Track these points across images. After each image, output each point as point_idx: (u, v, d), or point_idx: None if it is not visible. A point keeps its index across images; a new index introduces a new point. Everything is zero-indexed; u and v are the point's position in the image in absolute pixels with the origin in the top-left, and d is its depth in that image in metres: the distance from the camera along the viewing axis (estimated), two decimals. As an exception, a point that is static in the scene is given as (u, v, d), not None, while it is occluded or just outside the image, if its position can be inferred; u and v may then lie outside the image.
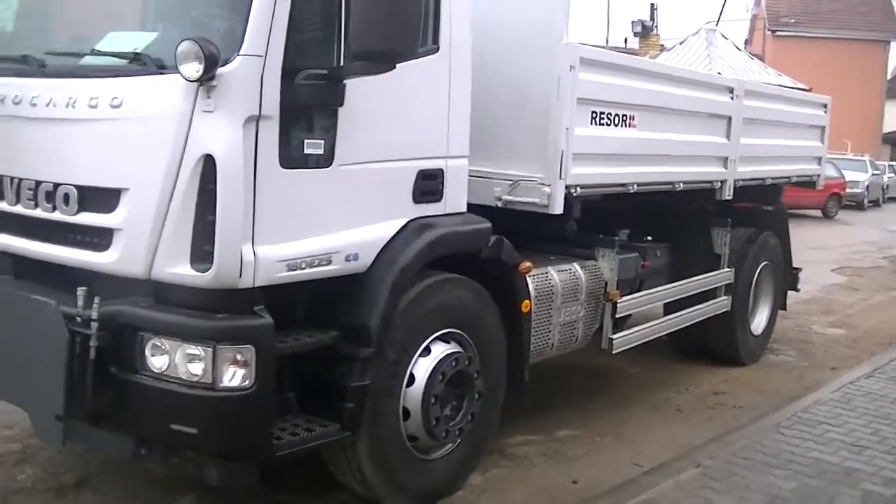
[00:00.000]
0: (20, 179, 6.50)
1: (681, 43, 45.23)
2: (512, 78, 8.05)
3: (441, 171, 7.06)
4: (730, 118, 10.80)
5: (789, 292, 13.33)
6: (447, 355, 6.98)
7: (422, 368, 6.86)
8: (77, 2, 7.23)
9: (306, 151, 6.08)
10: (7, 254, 6.80)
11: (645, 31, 46.48)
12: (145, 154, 5.88)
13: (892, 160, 61.44)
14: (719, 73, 37.01)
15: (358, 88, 6.16)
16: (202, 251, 5.74)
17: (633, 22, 46.69)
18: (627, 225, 9.71)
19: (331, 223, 6.28)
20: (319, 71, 6.05)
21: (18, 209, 6.55)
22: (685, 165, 9.97)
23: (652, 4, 48.23)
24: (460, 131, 7.17)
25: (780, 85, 37.82)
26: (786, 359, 12.77)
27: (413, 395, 6.82)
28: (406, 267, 6.62)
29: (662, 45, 47.01)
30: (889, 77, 71.72)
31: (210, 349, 5.74)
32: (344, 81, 6.08)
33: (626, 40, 50.78)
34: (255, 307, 5.90)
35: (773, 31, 62.29)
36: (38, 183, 6.37)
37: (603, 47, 43.20)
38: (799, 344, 13.64)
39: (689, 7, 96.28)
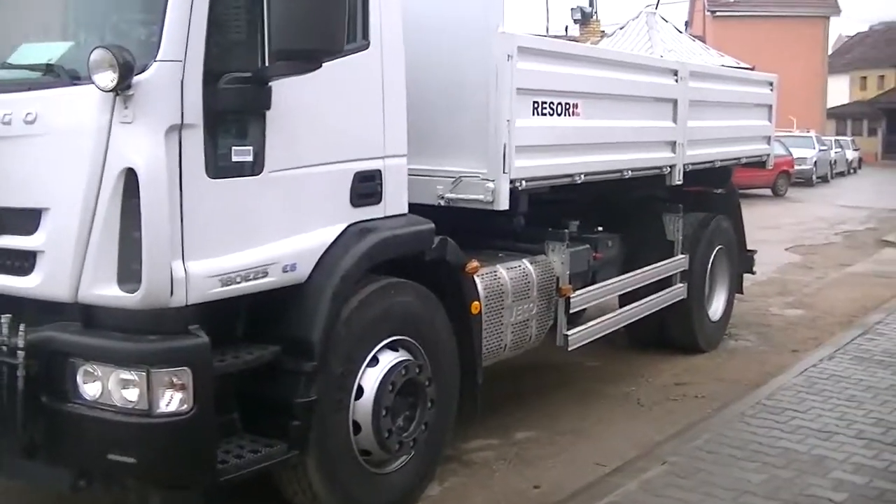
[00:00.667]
0: (-63, 202, 6.18)
1: (621, 28, 45.15)
2: (449, 70, 7.78)
3: (379, 171, 6.78)
4: (675, 101, 10.58)
5: (745, 275, 13.16)
6: (396, 364, 6.70)
7: (370, 379, 6.56)
8: None
9: (234, 159, 5.79)
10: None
11: (584, 18, 46.34)
12: (64, 171, 5.59)
13: (837, 135, 61.89)
14: (662, 57, 37.02)
15: (285, 90, 5.87)
16: (129, 270, 5.44)
17: (572, 9, 46.55)
18: (577, 216, 9.48)
19: (265, 233, 5.99)
20: (243, 74, 5.75)
21: (-64, 235, 6.22)
22: (633, 152, 9.74)
23: (591, -9, 48.20)
24: (397, 129, 6.90)
25: (723, 65, 37.89)
26: (745, 344, 12.61)
27: (363, 407, 6.53)
28: (346, 274, 6.33)
29: (603, 32, 46.93)
30: (829, 53, 72.35)
31: (144, 373, 5.43)
32: (269, 84, 5.79)
33: (566, 28, 50.64)
34: (189, 326, 5.59)
35: (713, 12, 62.59)
36: (-44, 205, 6.05)
37: (543, 36, 43.26)
38: (758, 327, 13.49)
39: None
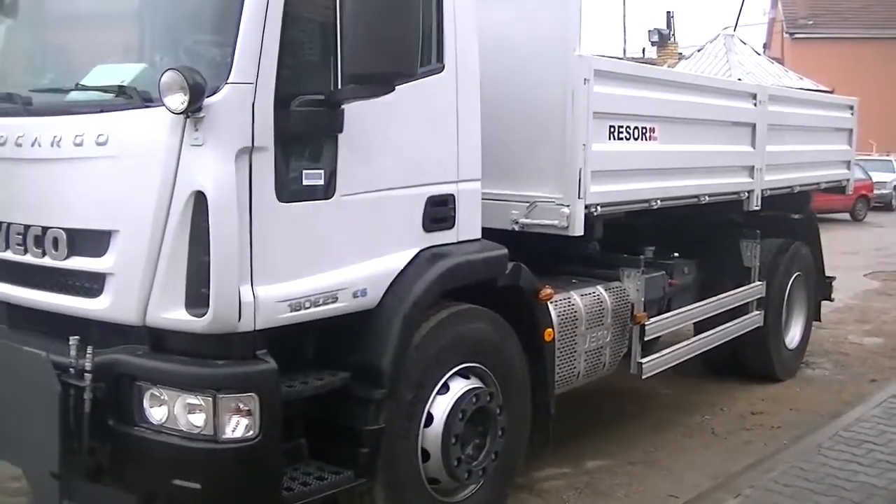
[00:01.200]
0: (9, 224, 6.21)
1: (699, 50, 44.89)
2: (524, 94, 7.68)
3: (452, 196, 6.69)
4: (754, 125, 10.41)
5: (823, 302, 12.90)
6: (467, 391, 6.59)
7: (440, 407, 6.46)
8: (64, 35, 6.93)
9: (305, 183, 5.72)
10: (1, 302, 6.48)
11: (662, 40, 46.21)
12: (134, 193, 5.55)
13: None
14: (739, 80, 36.70)
15: (358, 113, 5.80)
16: (198, 294, 5.39)
17: (649, 31, 46.44)
18: (652, 241, 9.33)
19: (335, 258, 5.91)
20: (315, 96, 5.68)
21: (8, 255, 6.24)
22: (710, 177, 9.58)
23: (668, 13, 47.97)
24: (471, 153, 6.80)
25: (802, 88, 37.49)
26: (823, 372, 12.35)
27: (432, 435, 6.42)
28: (418, 300, 6.23)
29: (681, 54, 46.72)
30: (912, 75, 71.26)
31: (210, 399, 5.38)
32: (342, 106, 5.71)
33: (643, 50, 50.50)
34: (257, 351, 5.53)
35: (792, 34, 61.85)
36: (27, 227, 6.07)
37: (620, 58, 43.12)
38: (836, 356, 13.21)
39: (705, 13, 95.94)
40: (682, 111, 8.98)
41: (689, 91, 9.30)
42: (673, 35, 47.25)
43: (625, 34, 45.31)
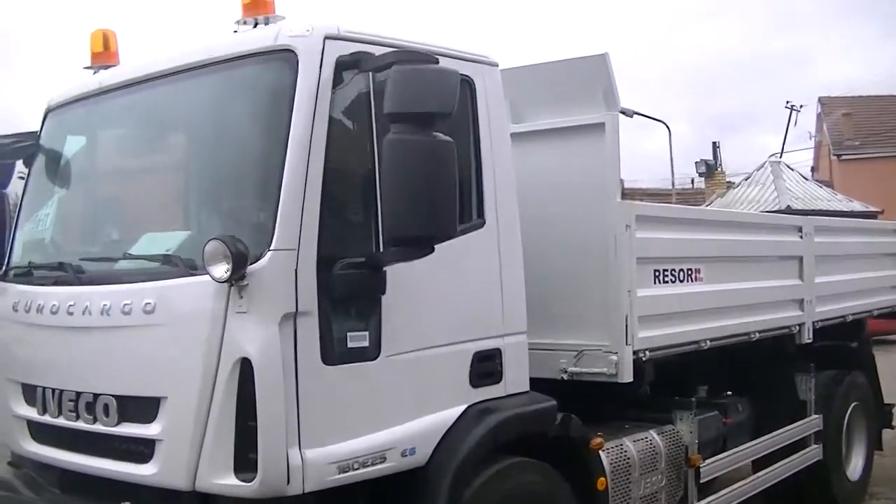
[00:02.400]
0: (61, 391, 6.27)
1: (746, 178, 44.92)
2: (568, 242, 7.72)
3: (499, 350, 6.68)
4: (801, 258, 10.40)
5: (884, 430, 12.68)
6: None
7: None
8: (114, 204, 7.08)
9: (350, 345, 5.74)
10: (53, 466, 6.52)
11: (709, 171, 46.34)
12: (180, 360, 5.62)
13: None
14: (788, 207, 36.67)
15: (400, 273, 5.83)
16: (246, 459, 5.40)
17: (696, 162, 46.58)
18: (705, 379, 9.28)
19: (382, 418, 5.90)
20: (357, 259, 5.73)
21: (61, 421, 6.30)
22: (759, 313, 9.53)
23: (714, 143, 48.16)
24: (516, 306, 6.82)
25: (850, 211, 37.38)
26: (888, 503, 12.07)
27: None
28: (467, 457, 6.19)
29: (730, 182, 46.80)
30: (963, 189, 70.98)
31: None
32: (384, 268, 5.76)
33: (692, 181, 50.67)
34: None
35: (839, 156, 61.88)
36: (79, 394, 6.13)
37: (669, 191, 43.12)
38: (901, 483, 12.93)
39: (752, 140, 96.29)
40: (727, 249, 9.00)
41: (733, 229, 9.34)
42: (720, 165, 47.39)
43: (672, 166, 45.31)
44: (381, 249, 5.74)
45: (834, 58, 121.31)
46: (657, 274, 8.00)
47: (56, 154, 7.23)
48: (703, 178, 47.52)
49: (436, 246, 5.72)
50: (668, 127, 42.29)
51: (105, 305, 5.95)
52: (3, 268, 7.03)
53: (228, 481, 5.45)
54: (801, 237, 10.46)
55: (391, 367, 5.92)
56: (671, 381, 8.70)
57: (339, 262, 5.64)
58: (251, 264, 5.33)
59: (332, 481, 5.60)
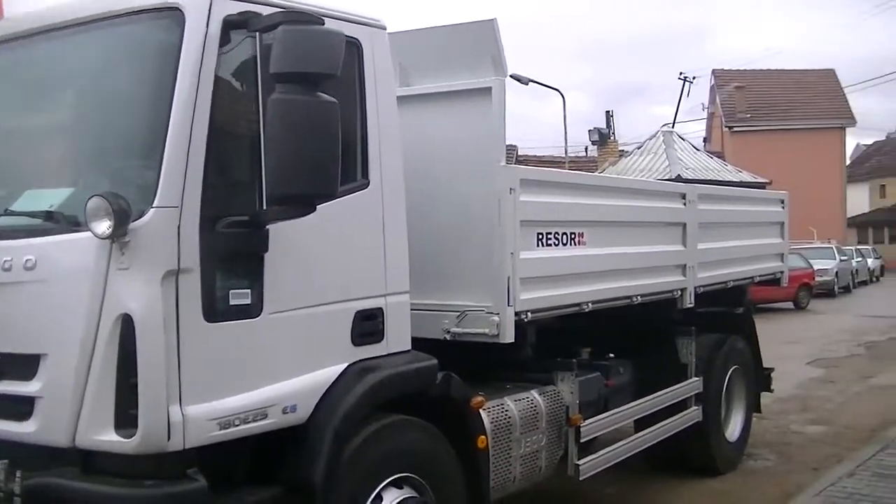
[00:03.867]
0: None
1: (639, 147, 45.46)
2: (452, 205, 7.82)
3: (381, 309, 6.75)
4: (685, 225, 10.59)
5: (764, 393, 13.00)
6: (400, 501, 6.61)
7: (375, 518, 6.48)
8: None
9: (232, 303, 5.76)
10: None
11: (602, 139, 46.84)
12: (61, 317, 5.59)
13: (858, 244, 61.79)
14: (679, 176, 37.20)
15: (283, 232, 5.88)
16: (126, 415, 5.40)
17: (589, 131, 47.07)
18: (587, 342, 9.43)
19: (264, 375, 5.93)
20: (240, 218, 5.77)
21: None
22: (641, 277, 9.72)
23: (608, 112, 48.66)
24: (398, 266, 6.89)
25: (739, 182, 38.03)
26: (765, 463, 12.43)
27: None
28: (347, 415, 6.26)
29: (622, 151, 47.34)
30: (848, 162, 72.61)
31: None
32: (266, 227, 5.80)
33: (586, 149, 51.12)
34: (187, 470, 5.54)
35: (731, 128, 62.91)
36: (-43, 351, 6.06)
37: (562, 158, 43.51)
38: (778, 446, 13.31)
39: (645, 109, 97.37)
40: (610, 214, 9.14)
41: (616, 194, 9.48)
42: (613, 133, 47.91)
43: (566, 133, 45.61)
44: (264, 208, 5.77)
45: (729, 32, 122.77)
46: (540, 237, 8.10)
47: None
48: (596, 147, 47.99)
49: (318, 205, 5.77)
50: (562, 95, 42.76)
51: None
52: None
53: (109, 437, 5.44)
54: (685, 204, 10.65)
55: (273, 324, 5.95)
56: (555, 343, 8.84)
57: (223, 220, 5.67)
58: (133, 221, 5.33)
59: (213, 437, 5.62)
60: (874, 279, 57.32)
